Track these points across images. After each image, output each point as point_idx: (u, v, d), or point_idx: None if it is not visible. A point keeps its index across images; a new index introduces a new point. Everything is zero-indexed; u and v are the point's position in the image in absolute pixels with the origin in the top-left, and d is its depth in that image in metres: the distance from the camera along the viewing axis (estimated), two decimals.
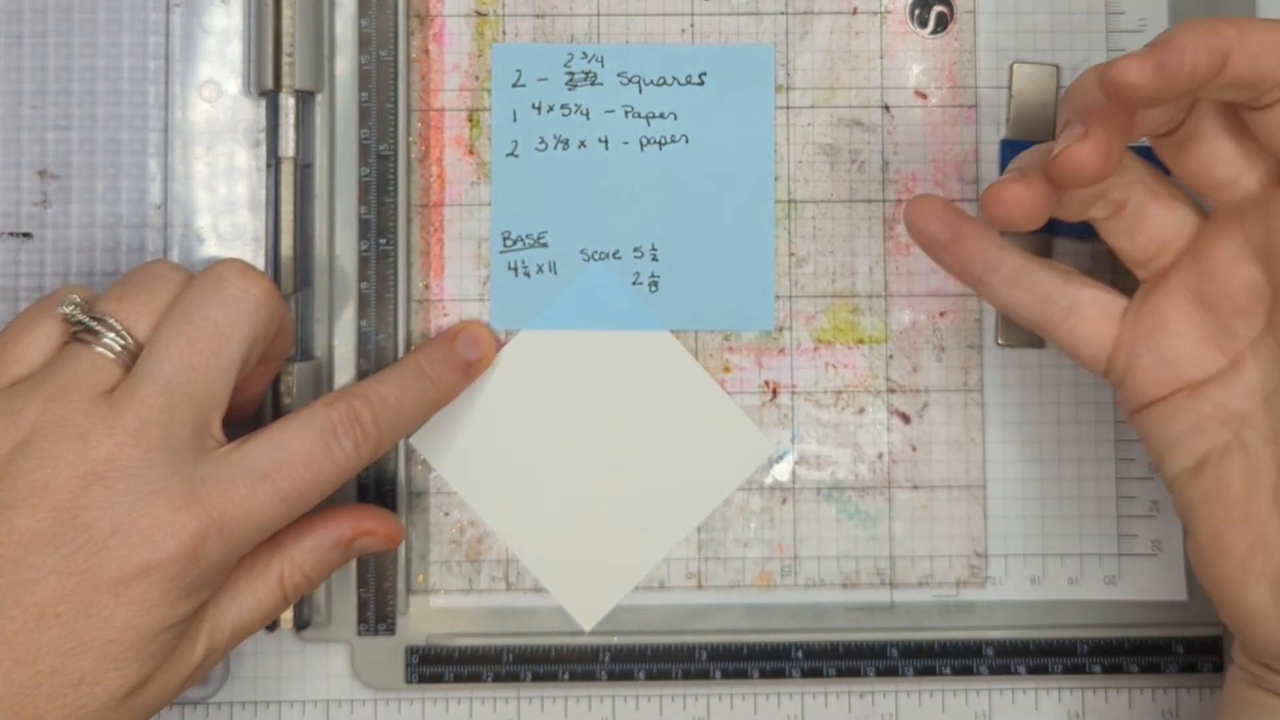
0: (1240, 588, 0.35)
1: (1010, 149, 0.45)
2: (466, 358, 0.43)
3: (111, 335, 0.36)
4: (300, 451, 0.37)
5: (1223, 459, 0.36)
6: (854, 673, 0.44)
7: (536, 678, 0.44)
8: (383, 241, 0.44)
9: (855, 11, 0.45)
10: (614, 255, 0.45)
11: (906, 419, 0.45)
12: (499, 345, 0.45)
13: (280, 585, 0.39)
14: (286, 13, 0.43)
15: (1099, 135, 0.33)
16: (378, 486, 0.44)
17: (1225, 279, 0.36)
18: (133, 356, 0.36)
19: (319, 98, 0.44)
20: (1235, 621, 0.36)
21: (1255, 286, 0.35)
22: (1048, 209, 0.34)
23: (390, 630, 0.44)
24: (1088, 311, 0.38)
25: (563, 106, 0.45)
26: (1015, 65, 0.45)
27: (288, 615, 0.43)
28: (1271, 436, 0.35)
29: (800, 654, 0.44)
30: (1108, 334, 0.38)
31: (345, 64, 0.44)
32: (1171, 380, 0.37)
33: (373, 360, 0.44)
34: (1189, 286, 0.37)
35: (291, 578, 0.39)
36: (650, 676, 0.44)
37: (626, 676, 0.44)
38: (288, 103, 0.43)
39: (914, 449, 0.45)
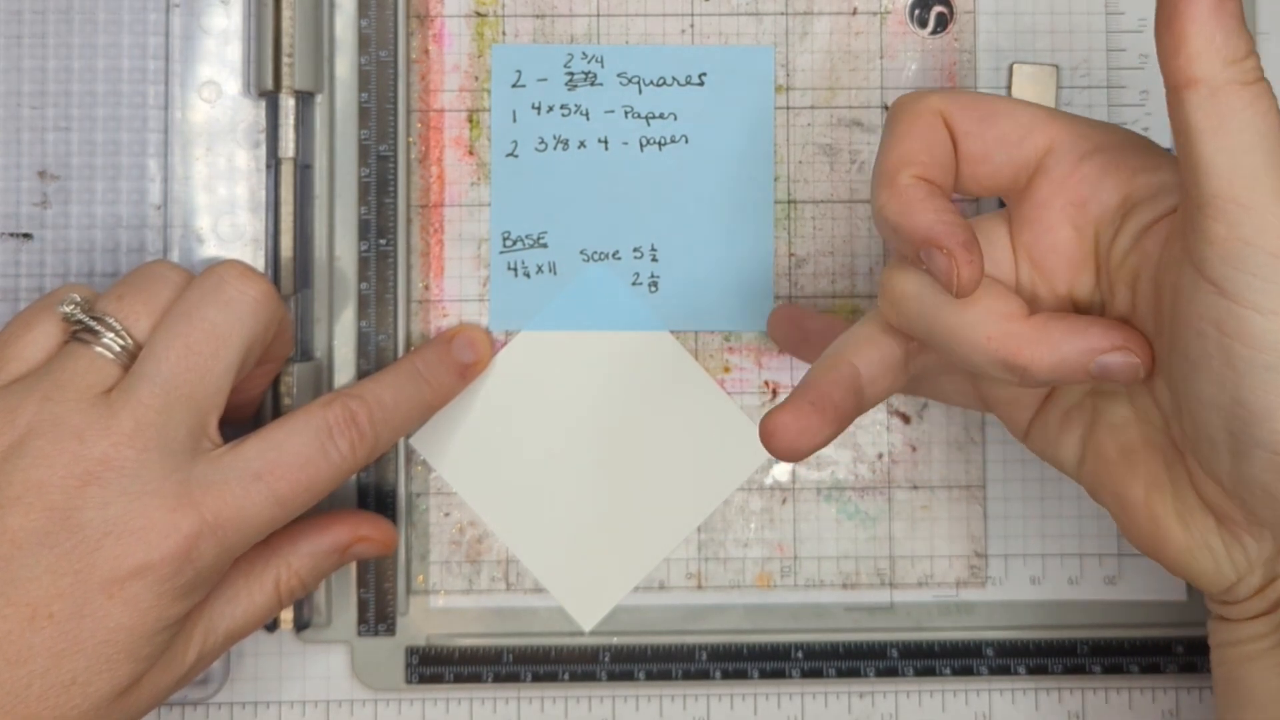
0: (1159, 536, 0.36)
1: None
2: (462, 360, 0.43)
3: (111, 335, 0.36)
4: (295, 453, 0.37)
5: (1093, 433, 0.36)
6: (854, 673, 0.44)
7: (536, 678, 0.44)
8: (382, 242, 0.44)
9: (855, 12, 0.45)
10: (614, 256, 0.45)
11: (906, 419, 0.45)
12: (495, 348, 0.45)
13: (276, 589, 0.39)
14: (286, 13, 0.43)
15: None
16: (378, 488, 0.44)
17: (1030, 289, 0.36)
18: (132, 356, 0.36)
19: (319, 98, 0.44)
20: (1177, 568, 0.36)
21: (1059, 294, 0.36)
22: (826, 431, 0.34)
23: (390, 631, 0.44)
24: (946, 377, 0.39)
25: (562, 107, 0.45)
26: (1015, 66, 0.45)
27: (288, 616, 0.43)
28: (1116, 393, 0.36)
29: (800, 654, 0.44)
30: (968, 387, 0.39)
31: (345, 65, 0.44)
32: (1030, 401, 0.38)
33: (373, 361, 0.44)
34: None
35: (288, 582, 0.39)
36: (650, 677, 0.44)
37: (626, 677, 0.44)
38: (287, 103, 0.43)
39: (914, 449, 0.45)
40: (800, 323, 0.43)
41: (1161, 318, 0.33)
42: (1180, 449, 0.35)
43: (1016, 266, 0.36)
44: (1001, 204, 0.37)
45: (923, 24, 0.45)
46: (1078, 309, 0.36)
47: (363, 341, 0.44)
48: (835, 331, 0.42)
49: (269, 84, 0.43)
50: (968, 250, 0.32)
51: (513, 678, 0.44)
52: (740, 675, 0.44)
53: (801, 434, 0.33)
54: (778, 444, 0.33)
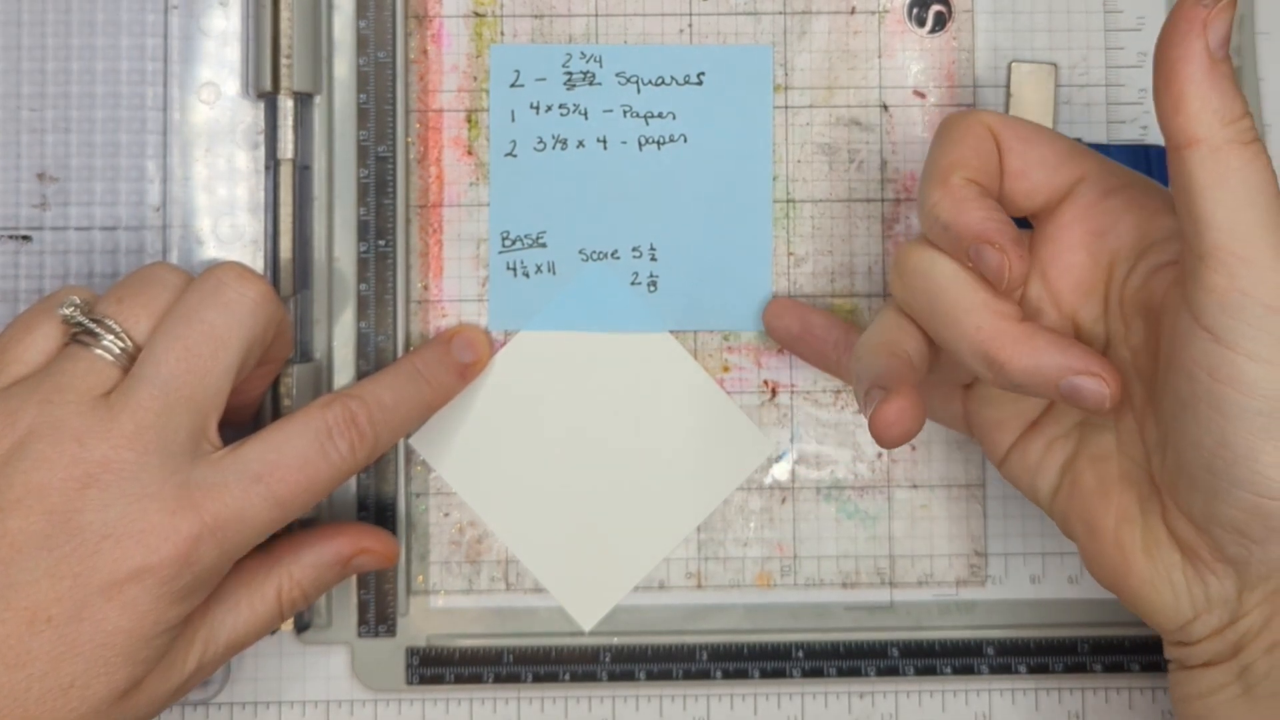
0: (1123, 567, 0.37)
1: None
2: (462, 360, 0.43)
3: (111, 338, 0.36)
4: (294, 454, 0.37)
5: (1073, 463, 0.38)
6: (854, 672, 0.44)
7: (537, 678, 0.44)
8: (381, 243, 0.44)
9: (853, 11, 0.45)
10: (613, 255, 0.45)
11: None
12: (494, 348, 0.45)
13: (278, 600, 0.39)
14: (285, 15, 0.43)
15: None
16: (378, 488, 0.44)
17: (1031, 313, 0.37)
18: (131, 359, 0.36)
19: (317, 99, 0.44)
20: (1135, 601, 0.37)
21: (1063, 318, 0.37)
22: (924, 412, 0.35)
23: (390, 631, 0.44)
24: (935, 390, 0.40)
25: (561, 107, 0.45)
26: (1013, 64, 0.45)
27: None
28: (1104, 425, 0.37)
29: (800, 654, 0.44)
30: (956, 406, 0.40)
31: (343, 65, 0.44)
32: (1015, 425, 0.39)
33: (372, 361, 0.44)
34: None
35: (289, 593, 0.39)
36: (650, 677, 0.44)
37: (627, 677, 0.44)
38: (286, 105, 0.43)
39: (913, 448, 0.45)
40: (803, 316, 0.43)
41: (1159, 356, 0.35)
42: (1157, 484, 0.36)
43: (1029, 280, 0.37)
44: None
45: (921, 23, 0.45)
46: (1079, 335, 0.37)
47: (362, 342, 0.44)
48: (835, 328, 0.42)
49: (267, 85, 0.43)
50: (1018, 246, 0.34)
51: (513, 678, 0.44)
52: (740, 675, 0.44)
53: (915, 418, 0.34)
54: (896, 432, 0.34)
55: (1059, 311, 0.37)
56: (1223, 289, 0.31)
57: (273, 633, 0.43)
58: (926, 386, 0.40)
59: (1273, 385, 0.31)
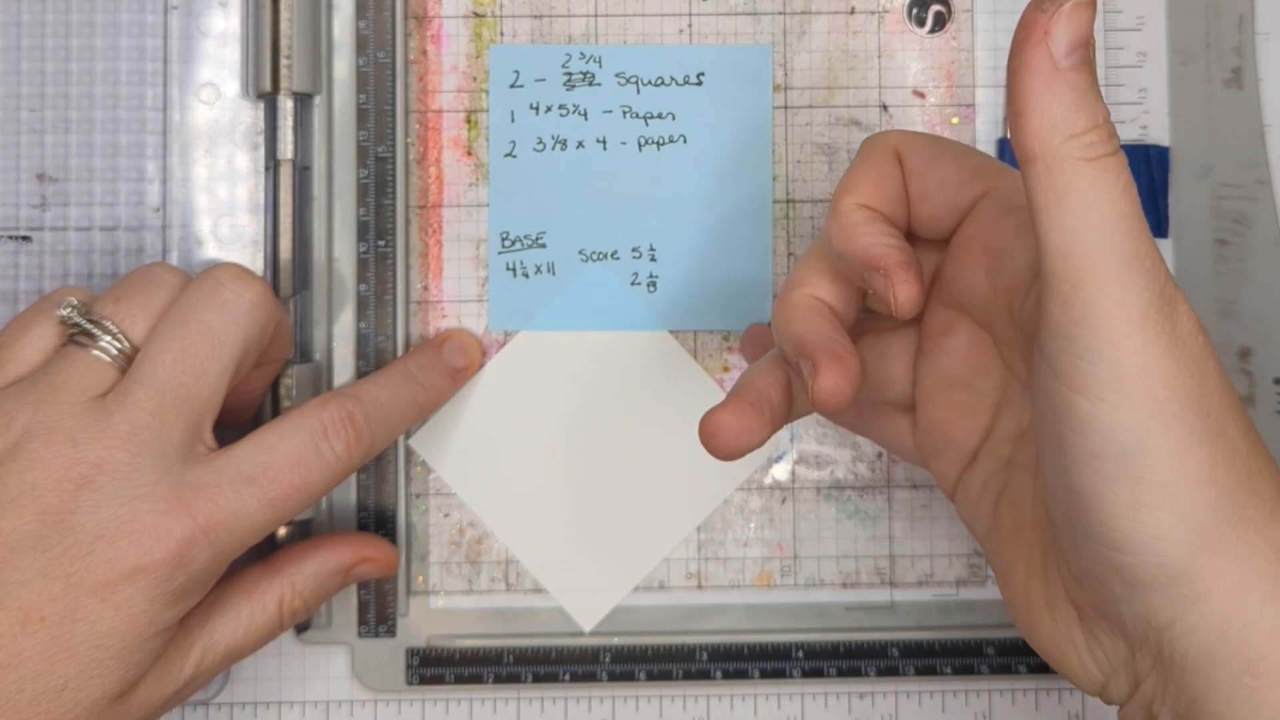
0: (1031, 622, 0.35)
1: (1009, 148, 0.44)
2: (454, 365, 0.43)
3: (108, 338, 0.36)
4: (287, 455, 0.37)
5: (999, 503, 0.36)
6: (854, 672, 0.44)
7: (537, 679, 0.44)
8: (381, 243, 0.44)
9: (853, 11, 0.45)
10: (612, 256, 0.45)
11: None
12: (484, 354, 0.45)
13: (279, 610, 0.39)
14: (284, 15, 0.43)
15: (835, 362, 0.33)
16: (378, 489, 0.44)
17: (956, 352, 0.37)
18: (128, 359, 0.36)
19: (317, 100, 0.44)
20: (1050, 660, 0.35)
21: (984, 342, 0.36)
22: (764, 432, 0.34)
23: (390, 632, 0.44)
24: (885, 423, 0.40)
25: (560, 107, 0.45)
26: None
27: None
28: (1027, 465, 0.35)
29: (800, 654, 0.44)
30: (907, 441, 0.39)
31: (343, 66, 0.44)
32: (955, 457, 0.38)
33: (372, 362, 0.44)
34: (931, 373, 0.38)
35: (291, 603, 0.39)
36: (650, 677, 0.44)
37: (627, 677, 0.44)
38: (286, 105, 0.43)
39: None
40: (769, 345, 0.43)
41: None
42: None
43: (936, 301, 0.37)
44: None
45: (920, 23, 0.45)
46: (993, 361, 0.36)
47: (362, 343, 0.44)
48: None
49: (267, 86, 0.43)
50: (904, 270, 0.33)
51: (513, 678, 0.44)
52: (740, 675, 0.44)
53: (740, 435, 0.34)
54: (718, 444, 0.34)
55: (970, 334, 0.36)
56: (1057, 320, 0.29)
57: None
58: (881, 420, 0.39)
59: (1106, 426, 0.29)
